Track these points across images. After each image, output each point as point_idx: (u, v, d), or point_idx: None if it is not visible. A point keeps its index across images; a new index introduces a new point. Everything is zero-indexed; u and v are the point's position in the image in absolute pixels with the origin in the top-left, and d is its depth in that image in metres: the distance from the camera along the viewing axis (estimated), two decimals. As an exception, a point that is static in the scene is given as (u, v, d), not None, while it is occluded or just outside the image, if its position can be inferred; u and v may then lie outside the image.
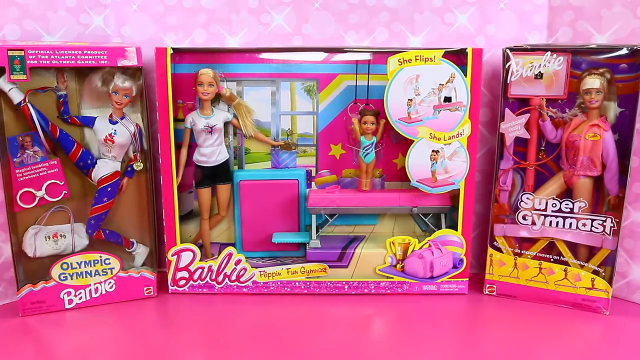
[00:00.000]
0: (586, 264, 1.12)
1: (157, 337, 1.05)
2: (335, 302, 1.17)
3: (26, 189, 1.08)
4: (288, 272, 1.19)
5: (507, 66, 1.10)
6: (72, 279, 1.13)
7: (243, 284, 1.19)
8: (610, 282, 1.11)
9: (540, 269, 1.15)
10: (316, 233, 1.20)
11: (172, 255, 1.18)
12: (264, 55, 1.14)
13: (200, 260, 1.18)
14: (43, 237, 1.11)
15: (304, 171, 1.21)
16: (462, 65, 1.10)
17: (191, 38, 1.22)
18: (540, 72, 1.09)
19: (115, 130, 1.11)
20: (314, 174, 1.21)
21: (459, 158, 1.13)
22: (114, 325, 1.09)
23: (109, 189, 1.13)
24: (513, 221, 1.16)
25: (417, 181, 1.14)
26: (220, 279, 1.19)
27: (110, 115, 1.12)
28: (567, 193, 1.14)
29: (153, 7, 1.21)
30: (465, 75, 1.10)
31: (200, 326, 1.08)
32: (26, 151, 1.07)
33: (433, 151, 1.13)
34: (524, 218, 1.15)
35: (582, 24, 1.16)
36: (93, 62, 1.06)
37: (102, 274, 1.15)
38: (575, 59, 1.08)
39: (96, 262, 1.14)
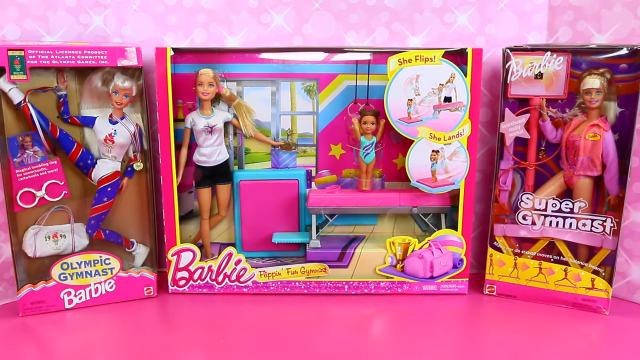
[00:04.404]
0: (586, 264, 1.12)
1: (157, 337, 1.05)
2: (335, 302, 1.17)
3: (26, 189, 1.08)
4: (288, 272, 1.19)
5: (507, 66, 1.10)
6: (72, 279, 1.13)
7: (243, 284, 1.19)
8: (610, 282, 1.11)
9: (540, 269, 1.15)
10: (316, 233, 1.20)
11: (172, 255, 1.18)
12: (264, 55, 1.14)
13: (200, 260, 1.18)
14: (43, 237, 1.11)
15: (304, 171, 1.21)
16: (462, 65, 1.10)
17: (191, 38, 1.22)
18: (540, 72, 1.09)
19: (115, 130, 1.11)
20: (314, 174, 1.21)
21: (459, 158, 1.13)
22: (114, 325, 1.09)
23: (109, 189, 1.13)
24: (513, 221, 1.16)
25: (417, 181, 1.14)
26: (220, 279, 1.19)
27: (110, 115, 1.12)
28: (567, 193, 1.14)
29: (153, 7, 1.21)
30: (465, 75, 1.10)
31: (200, 326, 1.08)
32: (26, 151, 1.07)
33: (433, 151, 1.13)
34: (524, 218, 1.15)
35: (582, 24, 1.16)
36: (93, 62, 1.06)
37: (102, 274, 1.15)
38: (575, 59, 1.08)
39: (96, 262, 1.14)
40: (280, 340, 1.03)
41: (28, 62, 1.02)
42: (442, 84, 1.10)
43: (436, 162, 1.13)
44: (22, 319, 1.10)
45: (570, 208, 1.12)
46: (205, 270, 1.19)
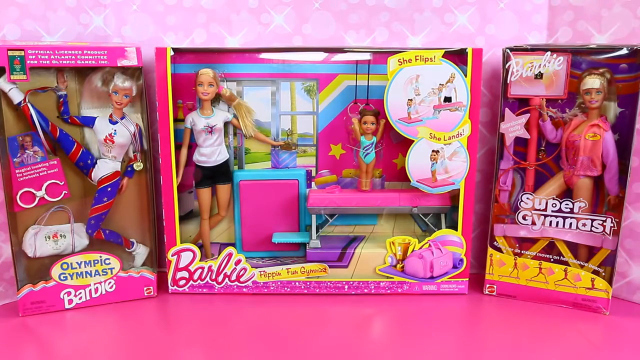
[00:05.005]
0: (586, 264, 1.12)
1: (157, 337, 1.05)
2: (335, 302, 1.17)
3: (26, 189, 1.08)
4: (288, 272, 1.19)
5: (507, 66, 1.10)
6: (72, 279, 1.13)
7: (243, 284, 1.19)
8: (610, 282, 1.11)
9: (540, 269, 1.15)
10: (316, 233, 1.20)
11: (172, 255, 1.18)
12: (264, 55, 1.14)
13: (200, 260, 1.18)
14: (43, 237, 1.11)
15: (304, 171, 1.21)
16: (462, 65, 1.10)
17: (191, 38, 1.22)
18: (540, 72, 1.09)
19: (115, 130, 1.11)
20: (314, 174, 1.21)
21: (459, 158, 1.13)
22: (114, 325, 1.09)
23: (109, 189, 1.13)
24: (513, 221, 1.16)
25: (417, 181, 1.14)
26: (220, 279, 1.19)
27: (110, 115, 1.12)
28: (567, 193, 1.14)
29: (153, 7, 1.21)
30: (465, 75, 1.10)
31: (200, 326, 1.08)
32: (26, 151, 1.07)
33: (433, 151, 1.13)
34: (524, 218, 1.15)
35: (582, 24, 1.16)
36: (93, 62, 1.06)
37: (102, 274, 1.15)
38: (575, 59, 1.08)
39: (96, 262, 1.14)
40: (280, 340, 1.03)
41: (28, 62, 1.02)
42: (442, 84, 1.10)
43: (436, 162, 1.13)
44: (22, 319, 1.10)
45: (570, 208, 1.12)
46: (205, 270, 1.19)
